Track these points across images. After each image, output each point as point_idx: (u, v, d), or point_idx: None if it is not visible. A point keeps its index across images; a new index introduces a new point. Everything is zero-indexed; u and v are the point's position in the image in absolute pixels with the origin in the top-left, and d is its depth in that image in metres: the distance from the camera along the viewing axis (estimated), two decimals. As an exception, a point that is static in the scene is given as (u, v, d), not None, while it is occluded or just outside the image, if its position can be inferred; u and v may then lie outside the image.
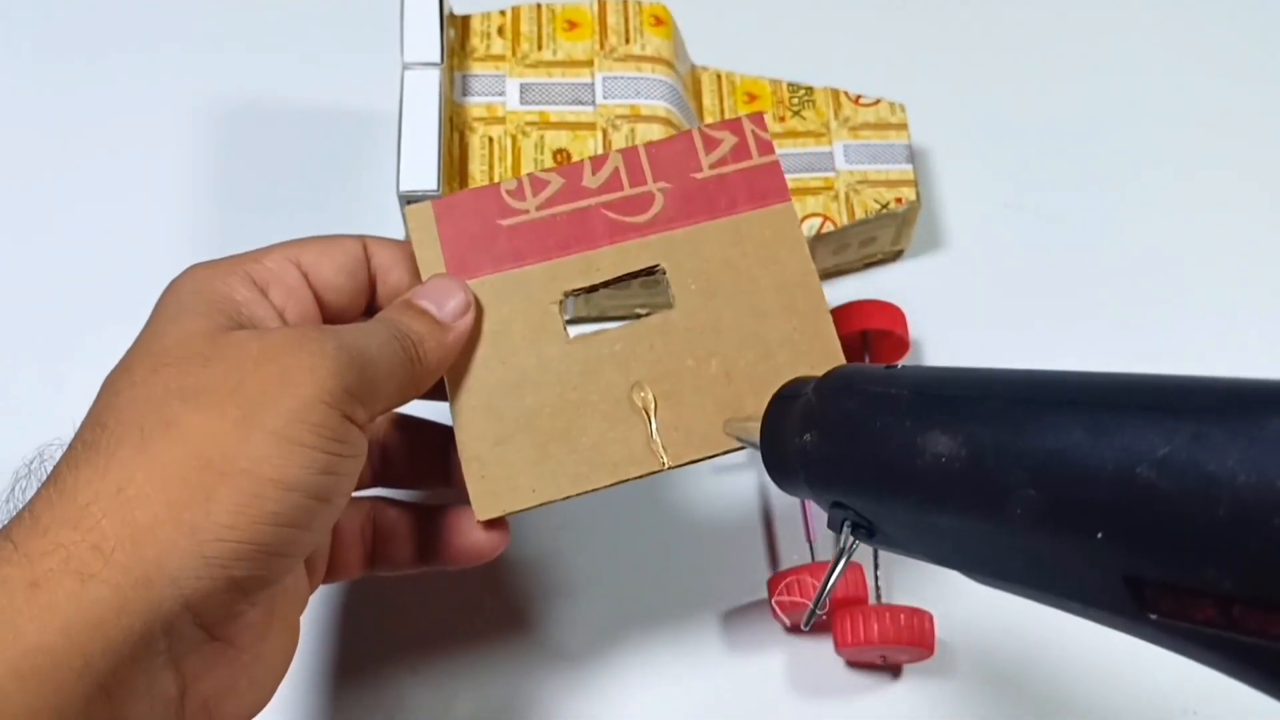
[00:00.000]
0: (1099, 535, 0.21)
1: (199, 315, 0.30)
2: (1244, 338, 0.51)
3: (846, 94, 0.51)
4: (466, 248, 0.35)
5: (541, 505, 0.34)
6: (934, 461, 0.24)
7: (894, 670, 0.43)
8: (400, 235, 0.50)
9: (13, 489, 0.31)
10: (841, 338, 0.40)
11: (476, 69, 0.47)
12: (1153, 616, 0.21)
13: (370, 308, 0.35)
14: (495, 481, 0.34)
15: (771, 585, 0.42)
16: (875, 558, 0.44)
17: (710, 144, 0.37)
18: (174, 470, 0.27)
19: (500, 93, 0.46)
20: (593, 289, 0.35)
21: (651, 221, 0.36)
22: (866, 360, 0.48)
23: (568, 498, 0.34)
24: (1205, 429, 0.19)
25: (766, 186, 0.36)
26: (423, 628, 0.43)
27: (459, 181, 0.44)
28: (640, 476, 0.34)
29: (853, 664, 0.43)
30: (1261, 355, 0.50)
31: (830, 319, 0.35)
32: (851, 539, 0.28)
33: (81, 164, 0.53)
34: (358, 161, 0.53)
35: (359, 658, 0.43)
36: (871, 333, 0.47)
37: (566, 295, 0.35)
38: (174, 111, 0.54)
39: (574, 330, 0.35)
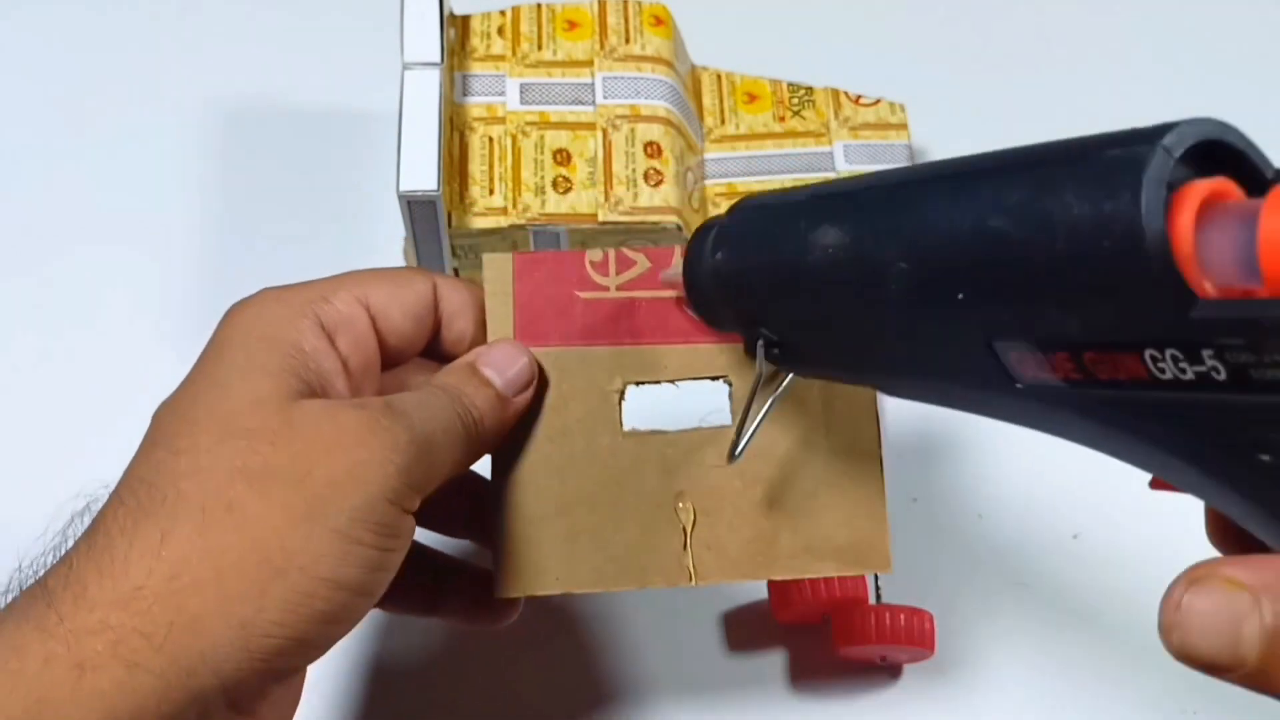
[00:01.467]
0: (960, 297, 0.22)
1: (269, 375, 0.29)
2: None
3: (846, 94, 0.51)
4: (539, 312, 0.34)
5: (561, 594, 0.33)
6: (823, 253, 0.25)
7: (894, 670, 0.43)
8: (398, 235, 0.50)
9: (63, 541, 0.30)
10: None
11: (476, 69, 0.47)
12: (1019, 385, 0.22)
13: (430, 349, 0.35)
14: (521, 560, 0.33)
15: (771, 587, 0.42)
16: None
17: None
18: (231, 560, 0.27)
19: (500, 93, 0.46)
20: (657, 384, 0.34)
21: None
22: None
23: (587, 593, 0.33)
24: (1049, 173, 0.20)
25: None
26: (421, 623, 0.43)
27: (459, 181, 0.44)
28: (664, 587, 0.33)
29: (852, 663, 0.43)
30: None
31: (881, 474, 0.34)
32: (766, 363, 0.29)
33: (82, 164, 0.53)
34: (358, 161, 0.53)
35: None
36: None
37: (628, 385, 0.34)
38: (174, 111, 0.54)
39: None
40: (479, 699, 0.42)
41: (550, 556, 0.33)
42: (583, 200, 0.44)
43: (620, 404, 0.34)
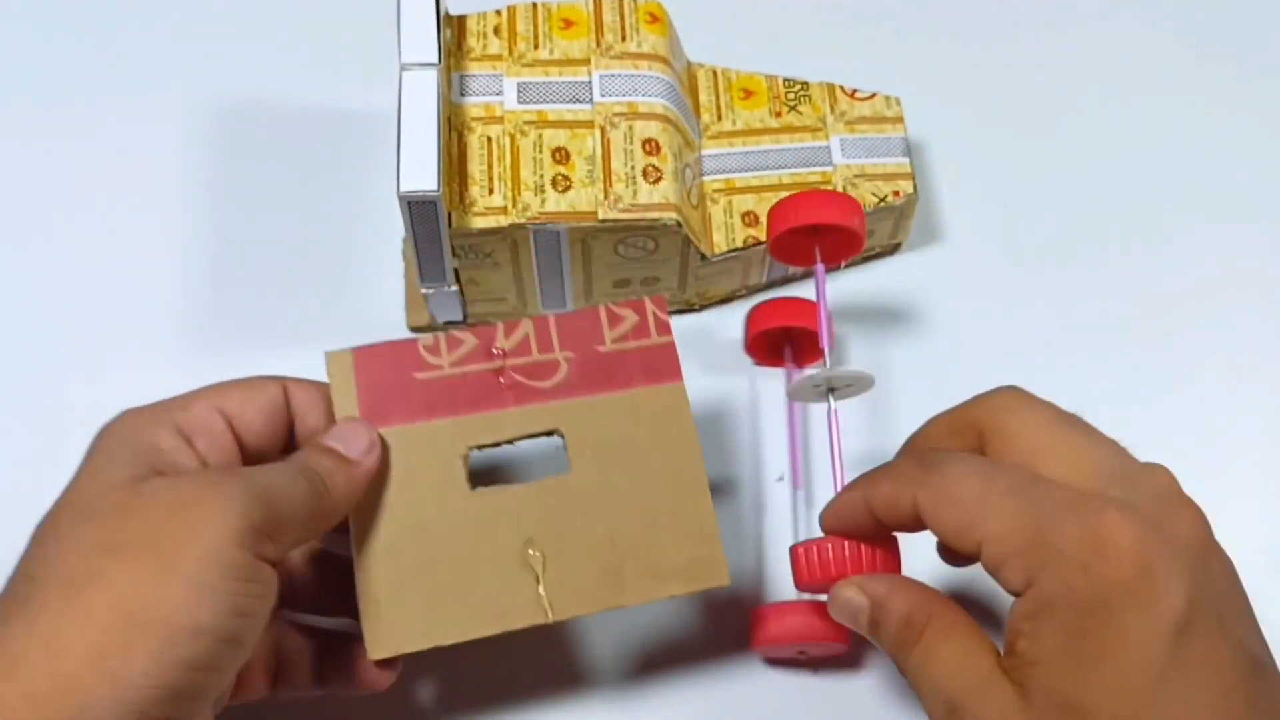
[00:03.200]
0: None
1: (122, 464, 0.33)
2: (1241, 331, 0.51)
3: (842, 88, 0.51)
4: (381, 396, 0.37)
5: (430, 648, 0.35)
6: None
7: (814, 665, 0.43)
8: (398, 235, 0.50)
9: None
10: (761, 333, 0.46)
11: (473, 69, 0.47)
12: None
13: (289, 447, 0.37)
14: (389, 623, 0.35)
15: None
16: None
17: (614, 320, 0.39)
18: (98, 621, 0.29)
19: (498, 92, 0.46)
20: (496, 445, 0.37)
21: (555, 388, 0.38)
22: (788, 360, 0.48)
23: (455, 643, 0.35)
24: None
25: (661, 365, 0.39)
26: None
27: (458, 181, 0.44)
28: (526, 627, 0.36)
29: (773, 662, 0.43)
30: (1260, 349, 0.51)
31: (708, 495, 0.37)
32: None
33: (82, 164, 0.53)
34: (357, 162, 0.53)
35: None
36: (793, 330, 0.47)
37: (470, 449, 0.37)
38: (174, 112, 0.54)
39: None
40: (477, 699, 0.42)
41: (417, 616, 0.35)
42: (582, 198, 0.44)
43: (465, 467, 0.37)
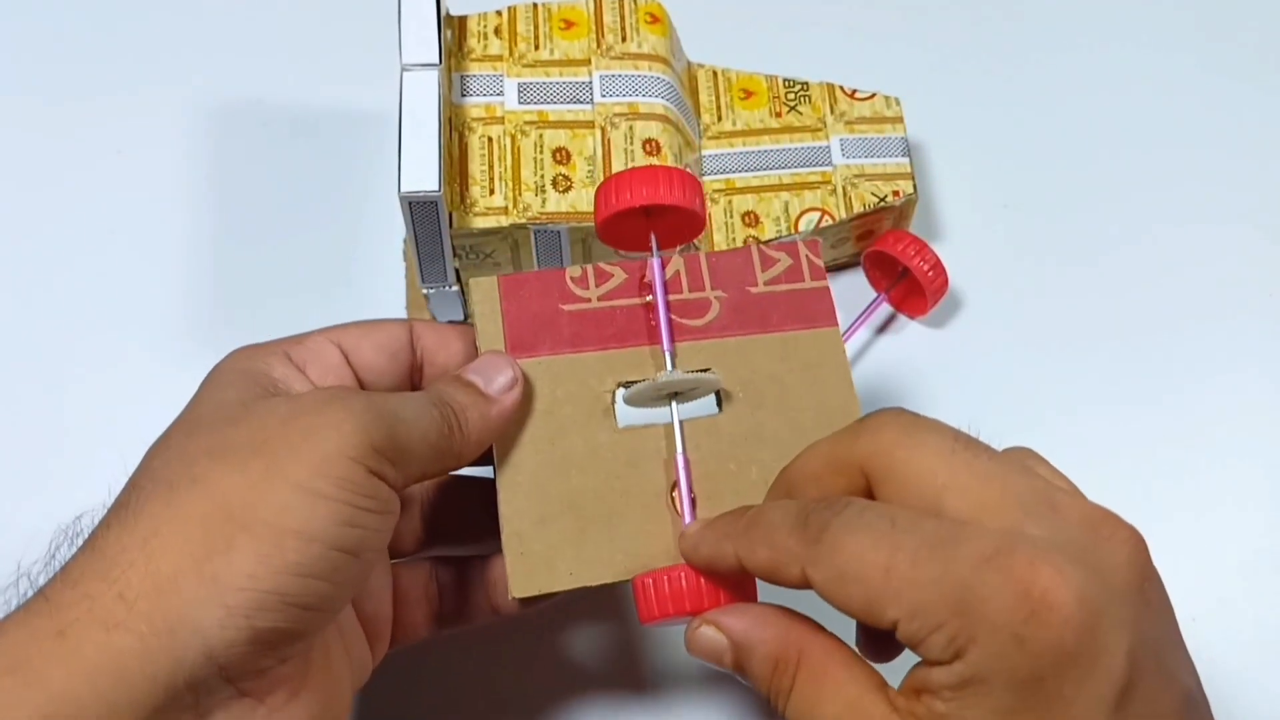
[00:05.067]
0: None
1: (233, 388, 0.31)
2: (1241, 331, 0.51)
3: (842, 88, 0.51)
4: (527, 327, 0.36)
5: (576, 589, 0.34)
6: None
7: None
8: (398, 235, 0.50)
9: (51, 555, 0.31)
10: (617, 215, 0.36)
11: (474, 69, 0.47)
12: None
13: (415, 389, 0.36)
14: (534, 559, 0.34)
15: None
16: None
17: (767, 261, 0.38)
18: (197, 521, 0.27)
19: (498, 93, 0.46)
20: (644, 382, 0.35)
21: (706, 327, 0.37)
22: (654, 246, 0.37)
23: (603, 585, 0.34)
24: None
25: (815, 310, 0.37)
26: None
27: (459, 182, 0.44)
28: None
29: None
30: (1257, 348, 0.51)
31: None
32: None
33: (82, 164, 0.53)
34: (358, 162, 0.53)
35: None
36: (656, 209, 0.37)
37: (618, 385, 0.36)
38: (174, 113, 0.54)
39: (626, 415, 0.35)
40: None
41: (561, 553, 0.34)
42: (583, 199, 0.44)
43: (613, 403, 0.35)
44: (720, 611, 0.31)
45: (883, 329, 0.51)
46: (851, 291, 0.51)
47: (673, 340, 0.36)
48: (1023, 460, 0.30)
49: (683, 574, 0.32)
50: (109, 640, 0.26)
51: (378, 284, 0.50)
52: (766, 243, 0.43)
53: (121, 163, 0.53)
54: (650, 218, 0.36)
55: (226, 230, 0.52)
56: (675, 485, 0.35)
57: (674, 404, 0.35)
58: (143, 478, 0.29)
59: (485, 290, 0.36)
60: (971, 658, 0.26)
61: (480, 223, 0.44)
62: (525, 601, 0.34)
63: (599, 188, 0.36)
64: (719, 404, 0.36)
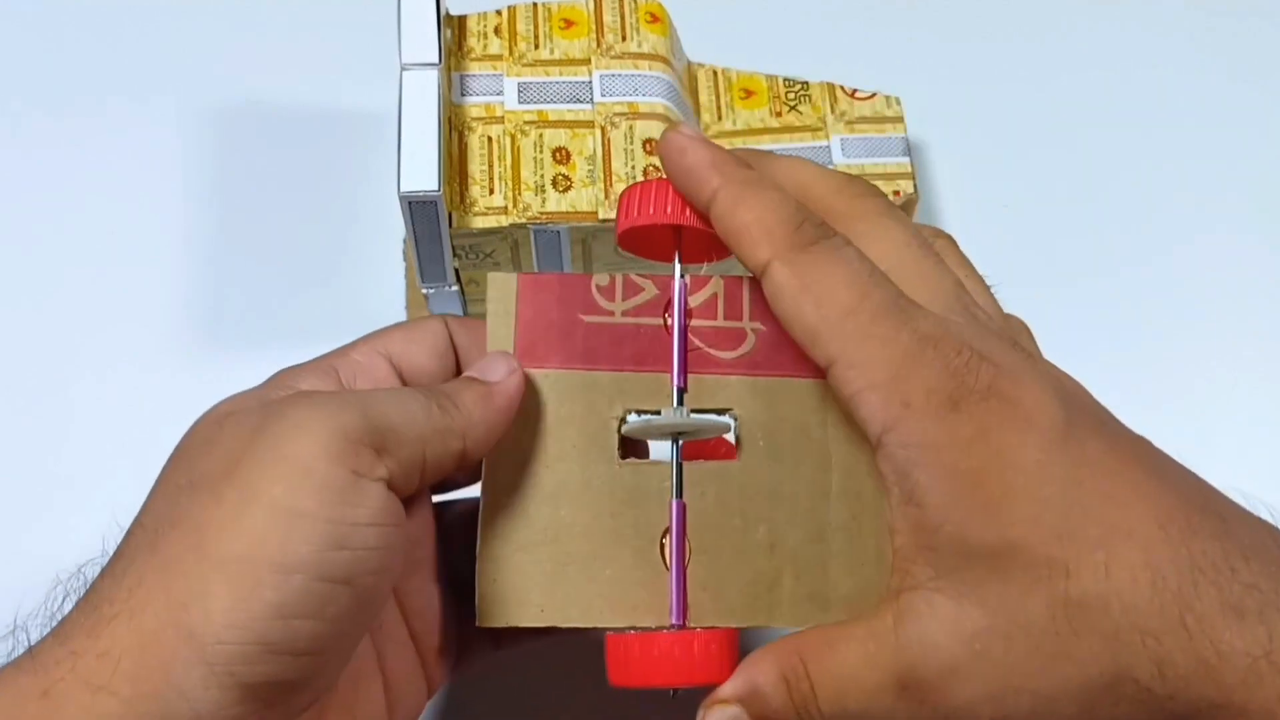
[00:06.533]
0: None
1: (239, 407, 0.29)
2: (1244, 334, 0.51)
3: (842, 88, 0.51)
4: (541, 333, 0.32)
5: (545, 627, 0.31)
6: None
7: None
8: (398, 235, 0.50)
9: (51, 611, 0.29)
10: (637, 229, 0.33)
11: (474, 69, 0.47)
12: None
13: None
14: (506, 589, 0.31)
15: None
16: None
17: None
18: (176, 566, 0.25)
19: (498, 92, 0.46)
20: (657, 414, 0.32)
21: (736, 361, 0.32)
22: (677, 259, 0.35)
23: (574, 628, 0.31)
24: None
25: None
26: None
27: (459, 181, 0.44)
28: (653, 629, 0.31)
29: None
30: (1262, 347, 0.51)
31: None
32: None
33: (81, 164, 0.53)
34: (357, 162, 0.53)
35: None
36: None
37: (628, 413, 0.32)
38: (174, 113, 0.54)
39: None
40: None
41: (536, 587, 0.31)
42: (583, 198, 0.44)
43: (619, 432, 0.32)
44: (713, 695, 0.29)
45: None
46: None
47: (685, 373, 0.32)
48: (959, 277, 0.31)
49: (673, 642, 0.30)
50: (93, 703, 0.24)
51: (377, 284, 0.50)
52: None
53: (121, 164, 0.53)
54: (679, 232, 0.33)
55: (226, 230, 0.52)
56: (668, 532, 0.32)
57: (674, 444, 0.32)
58: (136, 521, 0.27)
59: (502, 287, 0.32)
60: (908, 425, 0.27)
61: (480, 222, 0.44)
62: (495, 635, 0.32)
63: (624, 192, 0.33)
64: (738, 449, 0.32)
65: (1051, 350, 0.50)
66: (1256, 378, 0.50)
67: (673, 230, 0.32)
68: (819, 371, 0.30)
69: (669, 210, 0.31)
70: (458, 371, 0.33)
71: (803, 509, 0.32)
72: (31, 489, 0.44)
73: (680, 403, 0.32)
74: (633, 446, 0.34)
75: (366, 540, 0.26)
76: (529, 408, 0.32)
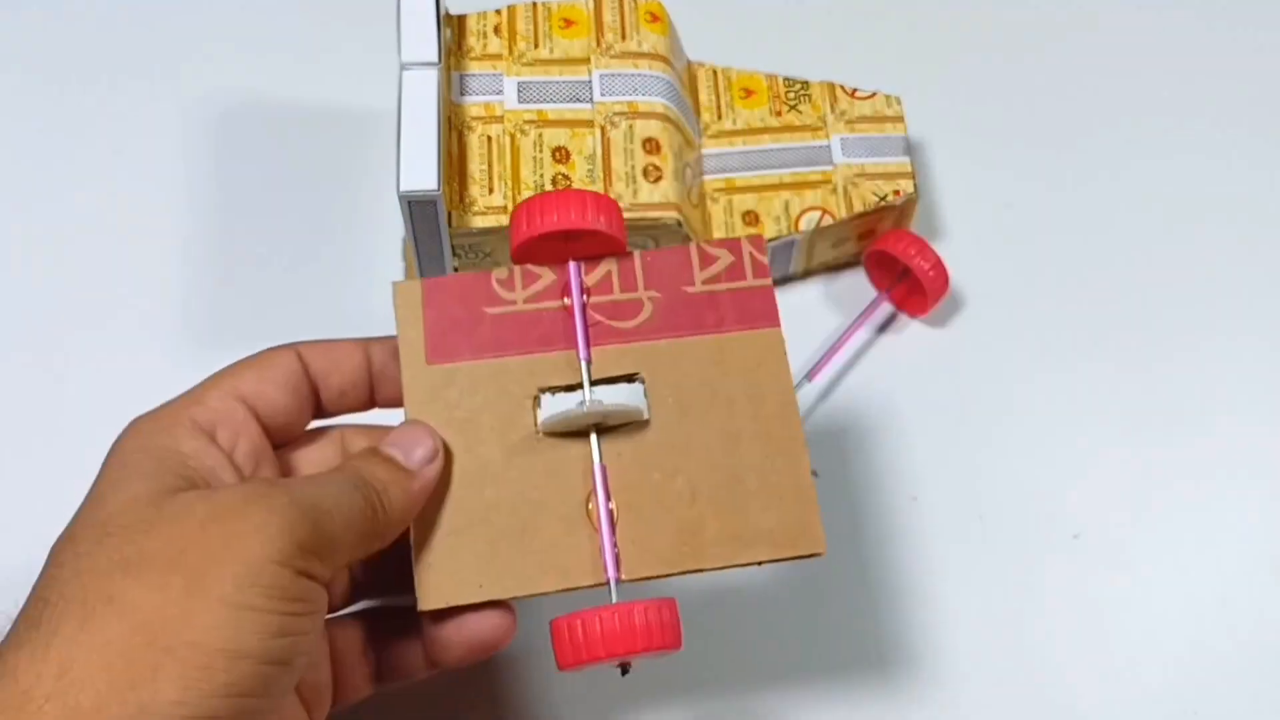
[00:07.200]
0: None
1: (145, 477, 0.30)
2: (1245, 330, 0.51)
3: (842, 87, 0.51)
4: (448, 330, 0.35)
5: (487, 602, 0.33)
6: None
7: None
8: (398, 235, 0.50)
9: None
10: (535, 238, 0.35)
11: (473, 68, 0.47)
12: None
13: (317, 413, 0.35)
14: (442, 572, 0.33)
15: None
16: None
17: (706, 259, 0.36)
18: (117, 649, 0.26)
19: (498, 91, 0.46)
20: (569, 389, 0.34)
21: (636, 329, 0.35)
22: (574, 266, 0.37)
23: (514, 598, 0.33)
24: None
25: (757, 309, 0.36)
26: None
27: (458, 181, 0.44)
28: (590, 586, 0.33)
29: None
30: (1261, 348, 0.51)
31: (805, 452, 0.34)
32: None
33: (80, 164, 0.53)
34: (357, 161, 0.53)
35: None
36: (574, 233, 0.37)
37: (541, 392, 0.34)
38: (173, 112, 0.54)
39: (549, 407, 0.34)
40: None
41: (471, 566, 0.33)
42: (582, 198, 0.44)
43: (535, 410, 0.34)
44: None
45: (883, 328, 0.51)
46: (852, 291, 0.51)
47: (589, 347, 0.34)
48: None
49: (614, 614, 0.31)
50: None
51: (377, 283, 0.50)
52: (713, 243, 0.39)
53: (120, 161, 0.53)
54: (569, 242, 0.35)
55: (225, 229, 0.52)
56: (592, 495, 0.34)
57: (594, 438, 0.34)
58: (51, 591, 0.27)
59: (407, 294, 0.35)
60: None
61: (479, 222, 0.44)
62: (434, 616, 0.33)
63: (514, 210, 0.35)
64: (647, 409, 0.34)
65: (1052, 349, 0.51)
66: (1257, 377, 0.50)
67: (563, 235, 0.35)
68: (717, 328, 0.35)
69: (556, 219, 0.34)
70: (314, 396, 0.35)
71: (717, 456, 0.34)
72: (32, 489, 0.44)
73: (588, 375, 0.34)
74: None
75: (302, 626, 0.28)
76: (446, 401, 0.34)
